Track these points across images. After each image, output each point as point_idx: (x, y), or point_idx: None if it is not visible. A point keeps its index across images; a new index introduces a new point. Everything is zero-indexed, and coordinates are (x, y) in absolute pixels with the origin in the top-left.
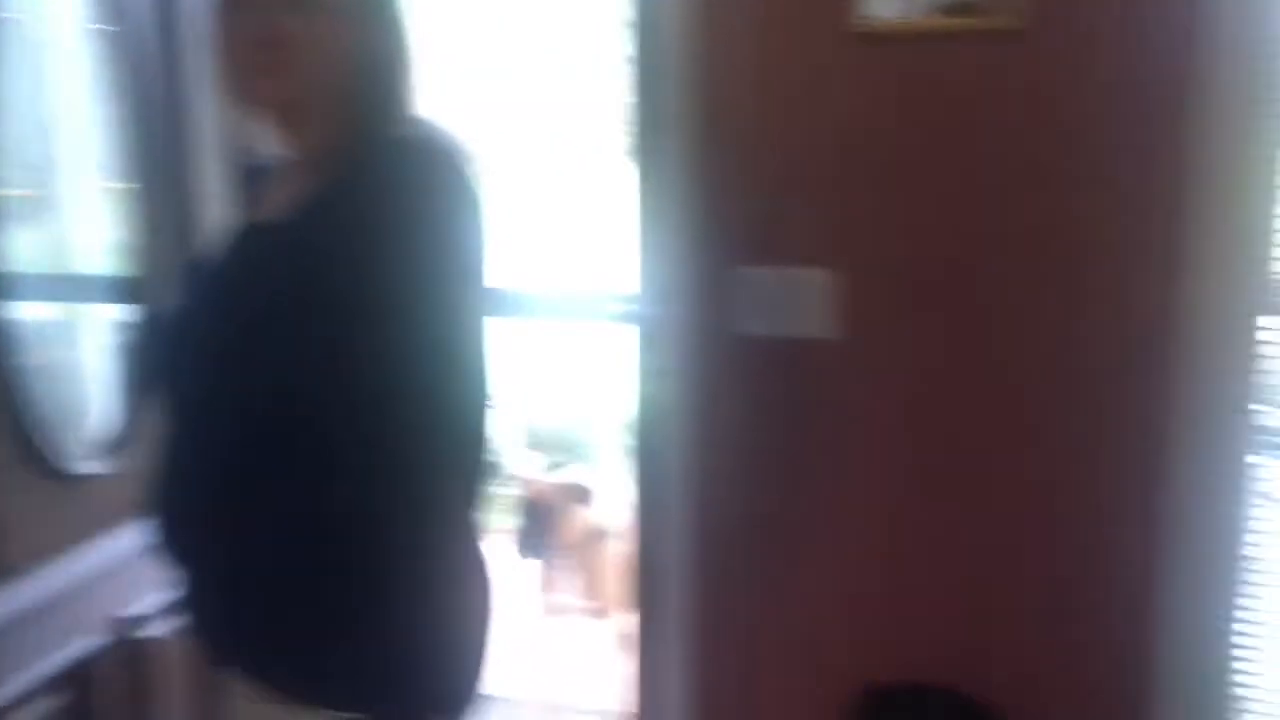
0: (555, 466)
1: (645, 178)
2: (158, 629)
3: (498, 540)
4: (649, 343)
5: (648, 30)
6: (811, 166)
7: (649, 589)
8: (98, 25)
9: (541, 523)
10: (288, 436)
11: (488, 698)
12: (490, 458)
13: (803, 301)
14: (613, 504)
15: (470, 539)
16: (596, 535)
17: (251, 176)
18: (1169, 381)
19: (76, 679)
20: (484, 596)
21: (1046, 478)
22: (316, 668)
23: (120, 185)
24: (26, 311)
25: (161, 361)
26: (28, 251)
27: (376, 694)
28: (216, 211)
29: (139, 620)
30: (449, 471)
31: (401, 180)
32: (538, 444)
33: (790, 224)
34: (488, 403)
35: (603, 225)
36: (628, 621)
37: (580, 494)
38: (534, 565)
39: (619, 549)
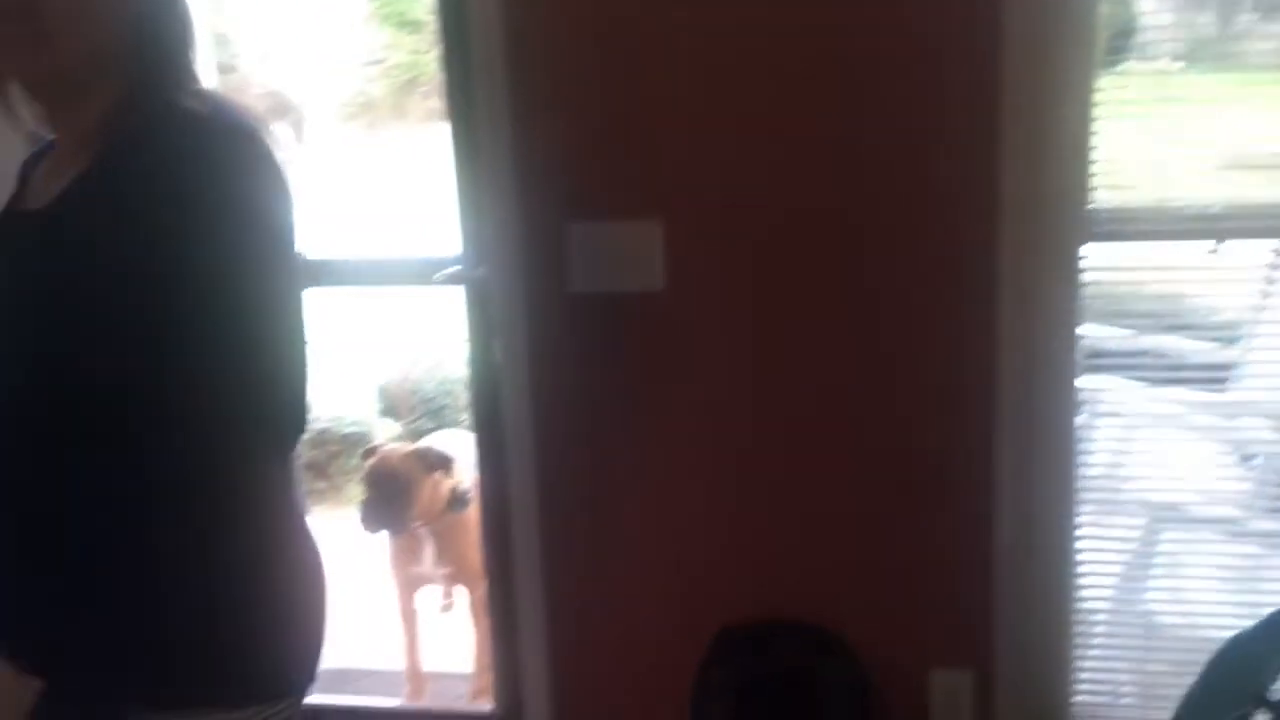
0: (416, 434)
1: (459, 135)
2: None
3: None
4: (477, 304)
5: None
6: (635, 114)
7: (496, 548)
8: None
9: (390, 493)
10: (65, 426)
11: (354, 671)
12: (303, 432)
13: (632, 255)
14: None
15: (286, 515)
16: (456, 502)
17: (29, 162)
18: (996, 314)
19: None
20: (307, 573)
21: (876, 415)
22: (121, 661)
23: None
24: None
25: None
26: None
27: (191, 685)
28: None
29: None
30: (252, 445)
31: (176, 155)
32: (392, 412)
33: (616, 175)
34: (301, 376)
35: (425, 187)
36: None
37: (438, 460)
38: (383, 538)
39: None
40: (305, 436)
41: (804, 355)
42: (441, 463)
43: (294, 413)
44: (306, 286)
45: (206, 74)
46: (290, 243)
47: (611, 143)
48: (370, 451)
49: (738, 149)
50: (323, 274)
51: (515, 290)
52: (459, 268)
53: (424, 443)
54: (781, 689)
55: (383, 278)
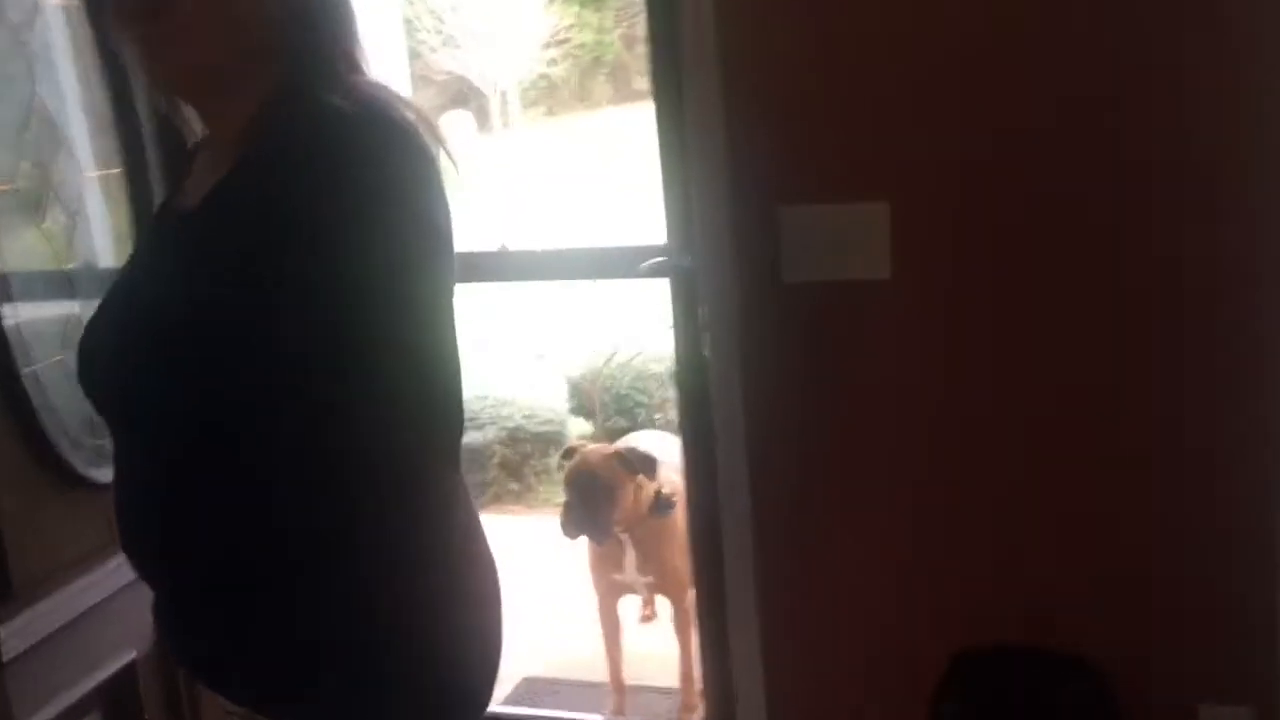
0: (611, 433)
1: (666, 115)
2: None
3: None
4: (685, 296)
5: None
6: (856, 89)
7: (706, 556)
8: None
9: (591, 497)
10: (225, 438)
11: (555, 681)
12: (460, 435)
13: (854, 240)
14: (678, 472)
15: (464, 521)
16: (660, 506)
17: (192, 151)
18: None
19: (115, 693)
20: (486, 580)
21: (1134, 415)
22: (298, 677)
23: (112, 171)
24: (28, 313)
25: (82, 372)
26: (18, 249)
27: (382, 701)
28: None
29: None
30: (422, 448)
31: (318, 152)
32: (583, 410)
33: (835, 153)
34: (458, 376)
35: (629, 174)
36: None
37: (641, 463)
38: (582, 543)
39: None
40: (498, 434)
41: (1048, 351)
42: (645, 465)
43: (456, 413)
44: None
45: (393, 62)
46: (445, 239)
47: (830, 117)
48: (570, 452)
49: (974, 122)
50: (515, 267)
51: (725, 281)
52: (664, 258)
53: (625, 443)
54: (1028, 715)
55: (583, 270)
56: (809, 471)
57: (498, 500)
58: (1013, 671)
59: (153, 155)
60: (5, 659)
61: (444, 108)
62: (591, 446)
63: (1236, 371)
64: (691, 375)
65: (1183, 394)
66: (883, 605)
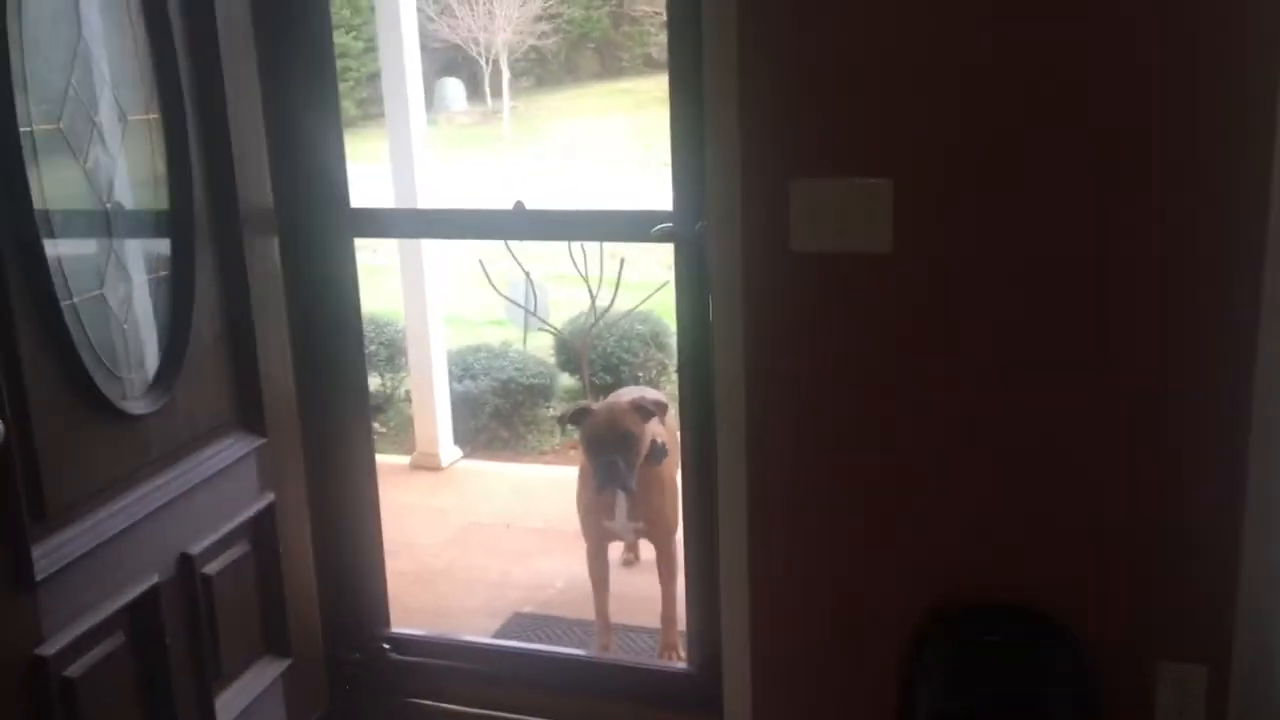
0: (596, 390)
1: (680, 85)
2: (217, 563)
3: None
4: (692, 261)
5: None
6: (866, 66)
7: (699, 506)
8: None
9: (625, 451)
10: None
11: (538, 618)
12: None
13: (858, 214)
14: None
15: None
16: (654, 453)
17: None
18: (1260, 280)
19: (135, 619)
20: None
21: (1117, 389)
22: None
23: (149, 116)
24: (66, 249)
25: None
26: (60, 188)
27: None
28: (250, 144)
29: (198, 555)
30: None
31: None
32: (570, 365)
33: (844, 130)
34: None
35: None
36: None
37: (654, 408)
38: (570, 489)
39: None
40: (491, 385)
41: (1041, 326)
42: (658, 410)
43: None
44: None
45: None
46: None
47: (840, 96)
48: (584, 412)
49: (977, 104)
50: (531, 225)
51: (734, 247)
52: (672, 225)
53: (624, 395)
54: (997, 669)
55: (595, 232)
56: (803, 429)
57: (488, 447)
58: (987, 624)
59: (190, 102)
60: (38, 578)
61: (438, 74)
62: (606, 402)
63: (1209, 341)
64: (695, 336)
65: (1162, 364)
66: (866, 562)
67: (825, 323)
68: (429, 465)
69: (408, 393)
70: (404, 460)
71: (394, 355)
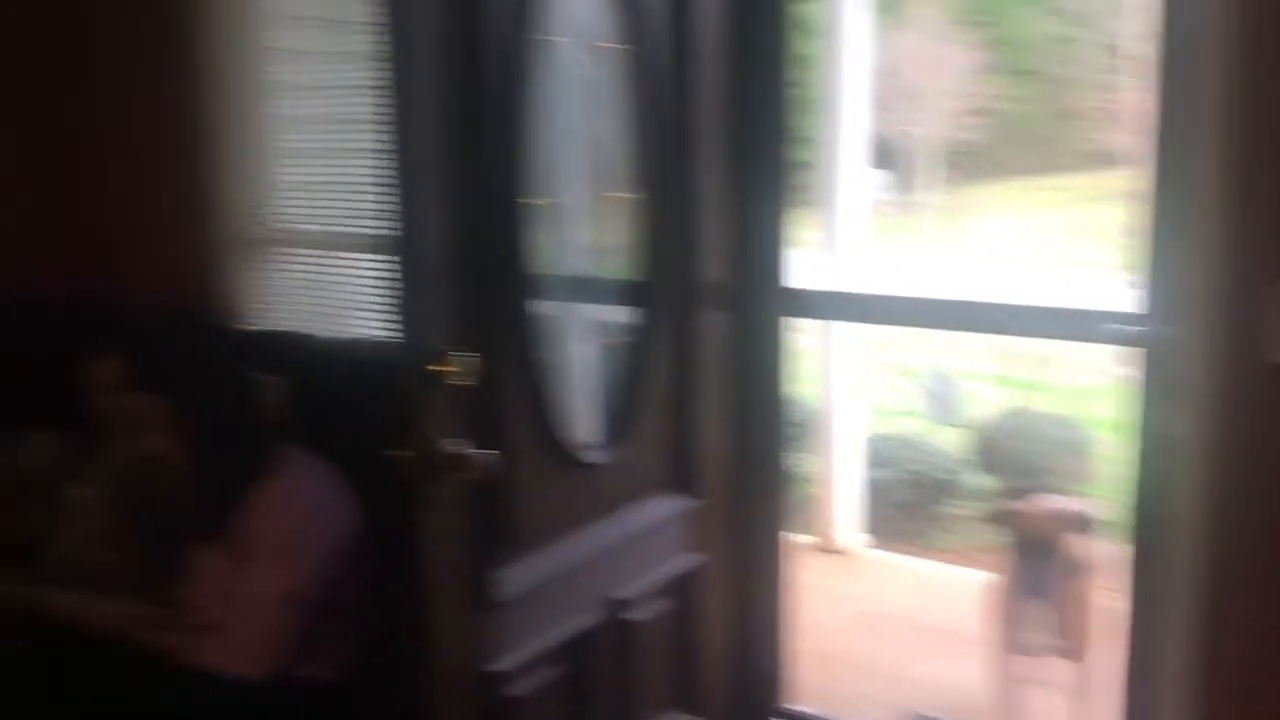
0: (1012, 493)
1: (1164, 183)
2: (643, 612)
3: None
4: (1157, 368)
5: (1178, 28)
6: None
7: (1143, 634)
8: (616, 45)
9: (1044, 557)
10: None
11: None
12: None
13: None
14: (1097, 534)
15: None
16: (1079, 567)
17: None
18: None
19: (571, 653)
20: None
21: None
22: None
23: (626, 195)
24: (544, 310)
25: None
26: (543, 255)
27: None
28: (716, 222)
29: (628, 602)
30: None
31: None
32: (987, 465)
33: None
34: None
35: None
36: (1102, 665)
37: (1077, 521)
38: (974, 593)
39: (1096, 583)
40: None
41: None
42: (1080, 524)
43: None
44: None
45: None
46: None
47: None
48: (1014, 514)
49: None
50: (977, 317)
51: (1209, 356)
52: (1139, 327)
53: (1045, 503)
54: None
55: (1043, 328)
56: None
57: (895, 536)
58: None
59: (667, 185)
60: (498, 601)
61: (867, 166)
62: (1036, 507)
63: None
64: (1156, 452)
65: None
66: None
67: None
68: (826, 547)
69: (808, 473)
70: (800, 539)
71: (798, 435)
